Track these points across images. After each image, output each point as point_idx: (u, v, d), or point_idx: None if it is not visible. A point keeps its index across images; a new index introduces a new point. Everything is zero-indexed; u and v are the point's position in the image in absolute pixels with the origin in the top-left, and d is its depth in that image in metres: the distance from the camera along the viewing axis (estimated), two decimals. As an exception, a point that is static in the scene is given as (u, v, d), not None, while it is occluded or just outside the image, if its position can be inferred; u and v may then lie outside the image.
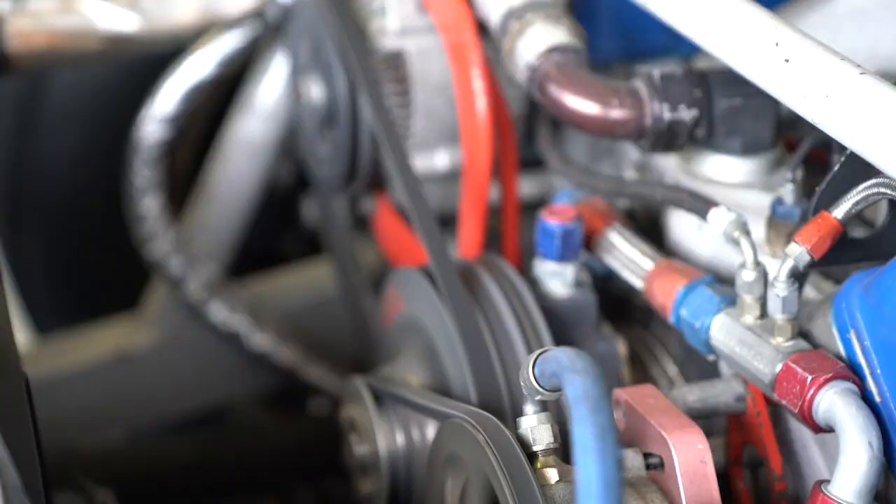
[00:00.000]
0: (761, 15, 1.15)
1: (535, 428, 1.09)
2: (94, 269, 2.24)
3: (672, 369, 1.40)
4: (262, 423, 2.17)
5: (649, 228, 1.47)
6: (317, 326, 2.00)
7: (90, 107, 2.15)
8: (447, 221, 1.63)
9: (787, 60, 1.10)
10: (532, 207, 1.64)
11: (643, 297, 1.33)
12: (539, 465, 1.08)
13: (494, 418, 1.11)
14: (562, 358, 0.95)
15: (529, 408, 1.10)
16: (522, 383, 1.07)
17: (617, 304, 1.49)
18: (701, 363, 1.34)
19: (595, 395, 0.88)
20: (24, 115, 2.15)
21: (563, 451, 1.10)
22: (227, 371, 1.98)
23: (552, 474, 1.07)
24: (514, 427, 1.10)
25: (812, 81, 1.08)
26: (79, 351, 1.97)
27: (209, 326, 1.91)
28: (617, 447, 0.86)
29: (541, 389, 1.04)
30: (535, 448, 1.09)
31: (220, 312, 1.90)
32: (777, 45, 1.12)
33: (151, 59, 1.94)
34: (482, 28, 1.49)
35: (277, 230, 2.27)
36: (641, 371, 1.40)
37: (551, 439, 1.09)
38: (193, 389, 1.99)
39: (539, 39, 1.36)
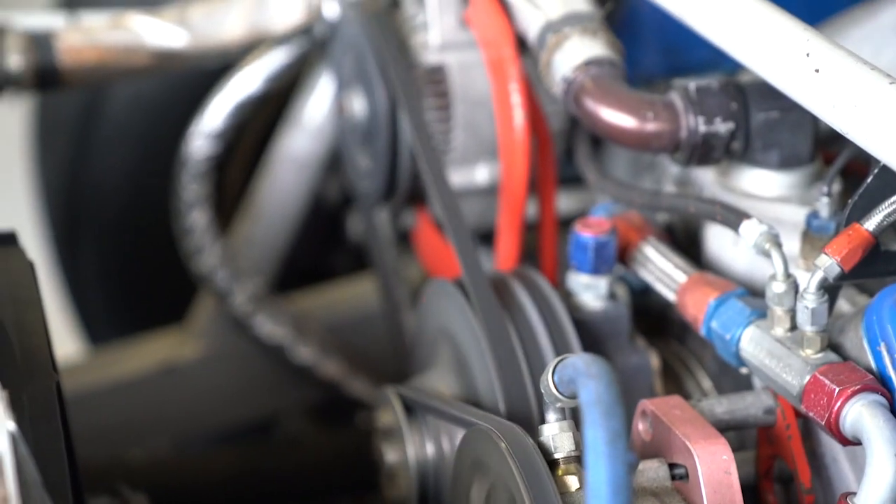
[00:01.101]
0: (793, 25, 1.15)
1: (557, 436, 1.09)
2: (147, 283, 2.27)
3: (707, 383, 1.39)
4: (307, 436, 2.19)
5: (687, 243, 1.47)
6: (361, 341, 2.01)
7: (145, 124, 2.18)
8: (488, 236, 1.64)
9: (817, 70, 1.10)
10: (571, 224, 1.64)
11: (677, 310, 1.32)
12: (560, 472, 1.08)
13: (516, 426, 1.11)
14: (578, 364, 0.95)
15: (551, 415, 1.10)
16: (543, 390, 1.07)
17: (654, 318, 1.49)
18: (735, 377, 1.34)
19: (607, 399, 0.88)
20: (81, 133, 2.19)
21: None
22: (271, 384, 1.99)
23: (573, 482, 1.07)
24: (536, 435, 1.10)
25: (842, 91, 1.08)
26: (127, 362, 2.00)
27: (254, 339, 1.93)
28: (627, 451, 0.86)
29: (560, 396, 1.04)
30: (556, 455, 1.09)
31: (265, 325, 1.92)
32: (808, 55, 1.11)
33: (204, 75, 1.97)
34: (522, 44, 1.49)
35: (325, 246, 2.28)
36: (675, 384, 1.39)
37: (572, 447, 1.09)
38: (238, 401, 2.01)
39: (576, 52, 1.37)
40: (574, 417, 1.12)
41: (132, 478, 1.81)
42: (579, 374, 0.93)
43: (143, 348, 2.02)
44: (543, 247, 1.57)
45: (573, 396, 1.04)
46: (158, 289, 2.26)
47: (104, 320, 2.31)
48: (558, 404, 1.06)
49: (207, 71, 1.88)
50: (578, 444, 1.09)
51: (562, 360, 1.03)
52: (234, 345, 1.96)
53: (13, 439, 0.88)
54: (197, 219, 1.86)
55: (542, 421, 1.23)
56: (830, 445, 1.20)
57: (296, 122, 1.87)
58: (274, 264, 1.94)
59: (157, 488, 1.72)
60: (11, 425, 0.89)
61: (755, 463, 1.24)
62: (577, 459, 1.09)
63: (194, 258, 1.88)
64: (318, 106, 1.86)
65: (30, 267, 1.26)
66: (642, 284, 1.47)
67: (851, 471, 1.18)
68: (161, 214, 2.17)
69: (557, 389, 1.03)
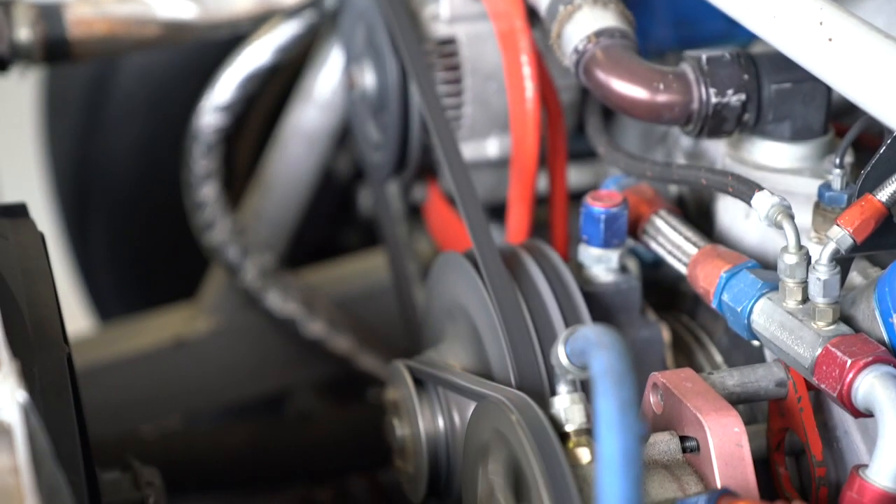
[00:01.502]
0: (807, -5, 1.14)
1: (568, 408, 1.09)
2: (157, 259, 2.27)
3: (718, 357, 1.38)
4: (318, 412, 2.19)
5: (698, 216, 1.46)
6: (371, 316, 2.01)
7: (154, 100, 2.18)
8: (498, 210, 1.64)
9: (830, 39, 1.09)
10: (582, 197, 1.64)
11: (688, 282, 1.32)
12: (571, 444, 1.08)
13: (528, 398, 1.11)
14: (589, 335, 0.95)
15: (562, 387, 1.10)
16: (554, 362, 1.06)
17: (665, 291, 1.48)
18: (746, 351, 1.33)
19: (619, 369, 0.88)
20: (89, 110, 2.19)
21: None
22: (282, 359, 1.99)
23: (584, 454, 1.07)
24: (547, 408, 1.10)
25: (855, 60, 1.07)
26: (137, 337, 2.00)
27: (265, 314, 1.93)
28: (638, 421, 0.85)
29: (571, 367, 1.04)
30: (567, 428, 1.09)
31: (276, 300, 1.92)
32: (821, 23, 1.11)
33: (213, 50, 1.97)
34: (532, 15, 1.48)
35: (335, 221, 2.28)
36: (687, 358, 1.39)
37: (584, 419, 1.08)
38: (249, 376, 2.01)
39: (586, 23, 1.36)
40: (584, 390, 1.12)
41: (143, 453, 1.82)
42: (590, 345, 0.93)
43: (154, 323, 2.02)
44: (554, 220, 1.56)
45: (584, 368, 1.03)
46: (168, 265, 2.26)
47: (114, 297, 2.31)
48: (569, 376, 1.06)
49: (219, 43, 1.87)
50: (590, 416, 1.09)
51: (573, 331, 1.02)
52: (245, 320, 1.96)
53: (24, 410, 0.88)
54: (208, 193, 1.85)
55: (553, 393, 1.23)
56: (842, 418, 1.19)
57: (306, 96, 1.87)
58: (284, 239, 1.94)
59: (168, 464, 1.72)
60: (22, 396, 0.89)
61: (766, 436, 1.24)
62: (589, 432, 1.09)
63: (205, 233, 1.87)
64: (328, 79, 1.85)
65: (40, 238, 1.25)
66: (653, 257, 1.47)
67: (863, 443, 1.18)
68: (171, 189, 2.17)
69: (569, 360, 1.03)
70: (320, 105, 1.86)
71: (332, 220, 2.26)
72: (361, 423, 1.98)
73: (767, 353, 1.29)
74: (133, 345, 1.98)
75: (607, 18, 1.36)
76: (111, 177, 2.22)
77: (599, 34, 1.35)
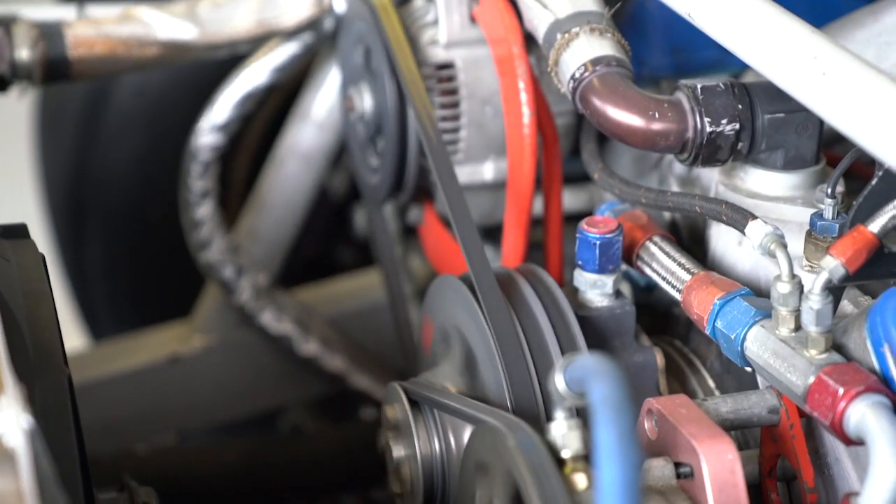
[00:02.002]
0: (800, 28, 1.16)
1: (566, 434, 1.10)
2: (151, 277, 2.28)
3: (710, 382, 1.40)
4: (313, 430, 2.20)
5: (690, 242, 1.48)
6: (364, 335, 2.02)
7: (151, 116, 2.20)
8: (491, 232, 1.65)
9: (824, 73, 1.11)
10: (576, 220, 1.65)
11: (682, 308, 1.33)
12: (568, 470, 1.09)
13: (524, 423, 1.12)
14: (587, 363, 0.96)
15: (559, 414, 1.11)
16: (552, 389, 1.08)
17: (657, 316, 1.50)
18: (738, 377, 1.35)
19: (618, 399, 0.89)
20: (86, 125, 2.20)
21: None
22: (276, 377, 2.00)
23: (581, 480, 1.08)
24: (543, 433, 1.11)
25: (847, 94, 1.09)
26: (132, 354, 2.01)
27: (260, 332, 1.94)
28: (638, 451, 0.87)
29: (569, 394, 1.05)
30: (563, 454, 1.10)
31: (270, 319, 1.93)
32: (815, 58, 1.12)
33: (210, 68, 1.98)
34: (529, 41, 1.50)
35: (330, 239, 2.29)
36: (679, 382, 1.41)
37: (580, 445, 1.10)
38: (244, 394, 2.02)
39: (583, 52, 1.37)
40: (580, 416, 1.13)
41: (137, 469, 1.83)
42: (589, 374, 0.94)
43: (148, 341, 2.03)
44: (549, 244, 1.58)
45: (582, 395, 1.05)
46: (163, 282, 2.27)
47: (108, 314, 2.32)
48: (566, 403, 1.07)
49: (215, 61, 1.88)
50: (586, 442, 1.10)
51: (571, 358, 1.04)
52: (239, 338, 1.97)
53: (29, 436, 0.89)
54: (205, 211, 1.86)
55: (548, 419, 1.25)
56: (833, 445, 1.21)
57: (303, 116, 1.88)
58: (279, 258, 1.95)
59: (163, 481, 1.73)
60: (28, 421, 0.90)
61: (758, 461, 1.26)
62: (585, 458, 1.10)
63: (202, 251, 1.88)
64: (325, 99, 1.86)
65: (41, 259, 1.27)
66: (645, 282, 1.49)
67: (854, 470, 1.19)
68: (167, 206, 2.18)
69: (568, 388, 1.04)
70: (317, 125, 1.87)
71: (326, 237, 2.28)
72: (355, 440, 2.00)
73: (760, 380, 1.30)
74: (128, 362, 1.99)
75: (604, 47, 1.38)
76: (107, 192, 2.24)
77: (596, 62, 1.36)
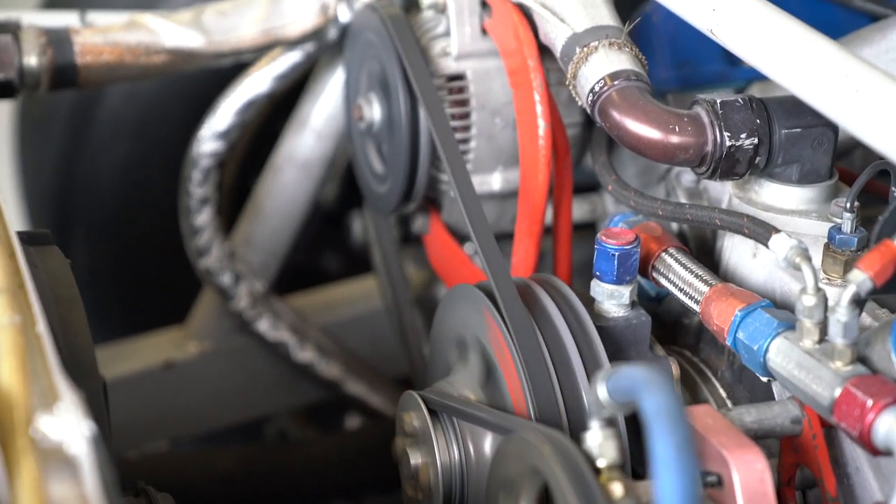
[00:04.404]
0: (830, 47, 1.18)
1: (602, 444, 1.11)
2: (138, 286, 2.27)
3: (722, 392, 1.42)
4: (305, 438, 2.20)
5: (699, 253, 1.50)
6: (357, 343, 2.03)
7: (139, 123, 2.19)
8: (499, 241, 1.66)
9: (857, 91, 1.13)
10: (579, 230, 1.67)
11: (698, 319, 1.35)
12: (604, 479, 1.11)
13: (560, 434, 1.13)
14: (637, 374, 0.98)
15: (595, 423, 1.12)
16: (591, 399, 1.09)
17: (665, 327, 1.52)
18: (750, 386, 1.37)
19: (674, 410, 0.91)
20: (74, 134, 2.19)
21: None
22: (271, 384, 2.01)
23: (618, 489, 1.10)
24: (577, 442, 1.13)
25: (881, 111, 1.11)
26: (126, 360, 2.00)
27: (256, 339, 1.95)
28: (696, 462, 0.88)
29: (611, 405, 1.06)
30: (599, 463, 1.12)
31: (268, 326, 1.93)
32: (847, 76, 1.15)
33: (200, 76, 1.98)
34: (541, 53, 1.52)
35: (318, 247, 2.30)
36: (691, 392, 1.43)
37: (617, 454, 1.11)
38: (238, 401, 2.02)
39: (602, 65, 1.39)
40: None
41: (130, 475, 1.82)
42: (639, 385, 0.96)
43: (143, 347, 2.02)
44: (558, 253, 1.59)
45: (624, 405, 1.06)
46: (150, 292, 2.26)
47: (93, 323, 2.30)
48: (607, 413, 1.09)
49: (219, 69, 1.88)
50: (622, 452, 1.12)
51: (614, 368, 1.05)
52: (236, 345, 1.97)
53: (93, 442, 0.89)
54: (204, 218, 1.87)
55: (571, 428, 1.26)
56: (854, 455, 1.23)
57: (302, 124, 1.88)
58: (276, 265, 1.96)
59: (156, 486, 1.73)
60: (90, 428, 0.90)
61: (778, 471, 1.28)
62: (621, 468, 1.11)
63: (201, 258, 1.88)
64: (325, 108, 1.87)
65: (68, 266, 1.27)
66: (654, 293, 1.50)
67: (875, 480, 1.22)
68: (155, 215, 2.18)
69: (610, 398, 1.06)
70: (316, 133, 1.88)
71: (314, 245, 2.28)
72: (346, 449, 2.00)
73: (775, 390, 1.33)
74: (122, 368, 1.98)
75: (623, 61, 1.40)
76: (94, 200, 2.22)
77: (615, 76, 1.38)
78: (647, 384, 0.95)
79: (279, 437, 2.25)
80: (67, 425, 0.90)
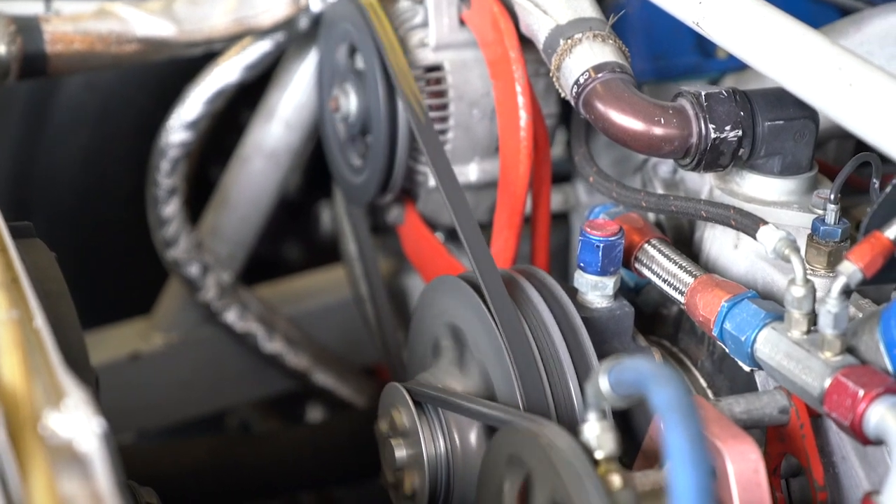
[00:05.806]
0: (823, 42, 1.19)
1: (600, 436, 1.12)
2: (98, 276, 2.24)
3: (702, 381, 1.43)
4: (260, 428, 2.19)
5: (677, 244, 1.51)
6: (323, 333, 2.02)
7: (99, 112, 2.16)
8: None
9: (850, 85, 1.14)
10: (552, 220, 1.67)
11: (677, 309, 1.36)
12: (602, 471, 1.11)
13: (557, 425, 1.14)
14: (643, 367, 0.98)
15: (592, 415, 1.12)
16: (591, 391, 1.09)
17: (644, 317, 1.52)
18: (731, 376, 1.38)
19: (685, 402, 0.91)
20: (32, 121, 2.16)
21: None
22: (238, 374, 1.99)
23: (616, 480, 1.10)
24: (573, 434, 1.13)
25: (874, 105, 1.13)
26: (92, 352, 1.96)
27: (224, 330, 1.93)
28: (708, 454, 0.89)
29: (612, 397, 1.07)
30: (597, 455, 1.12)
31: (235, 317, 1.92)
32: (840, 69, 1.16)
33: (161, 64, 1.95)
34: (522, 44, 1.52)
35: (279, 237, 2.28)
36: (675, 383, 1.43)
37: (614, 446, 1.12)
38: (205, 392, 2.01)
39: (586, 57, 1.39)
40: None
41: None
42: (647, 379, 0.96)
43: (109, 338, 2.00)
44: (536, 244, 1.60)
45: (625, 398, 1.07)
46: (111, 282, 2.24)
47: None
48: (603, 405, 1.09)
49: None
50: (620, 443, 1.12)
51: (616, 361, 1.05)
52: (202, 335, 1.96)
53: (104, 439, 0.88)
54: (173, 209, 1.85)
55: (559, 419, 1.27)
56: (840, 444, 1.25)
57: (270, 114, 1.87)
58: (243, 256, 1.94)
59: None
60: (100, 425, 0.89)
61: (764, 460, 1.29)
62: (619, 460, 1.12)
63: (168, 249, 1.86)
64: (292, 98, 1.86)
65: (53, 259, 1.25)
66: (633, 282, 1.51)
67: (861, 468, 1.23)
68: (115, 205, 2.15)
69: (612, 390, 1.06)
70: (284, 123, 1.86)
71: (276, 235, 2.26)
72: (316, 440, 1.99)
73: (759, 381, 1.34)
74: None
75: (606, 53, 1.40)
76: (53, 190, 2.20)
77: (599, 68, 1.38)
78: (657, 377, 0.95)
79: (241, 429, 2.24)
80: (77, 422, 0.89)
